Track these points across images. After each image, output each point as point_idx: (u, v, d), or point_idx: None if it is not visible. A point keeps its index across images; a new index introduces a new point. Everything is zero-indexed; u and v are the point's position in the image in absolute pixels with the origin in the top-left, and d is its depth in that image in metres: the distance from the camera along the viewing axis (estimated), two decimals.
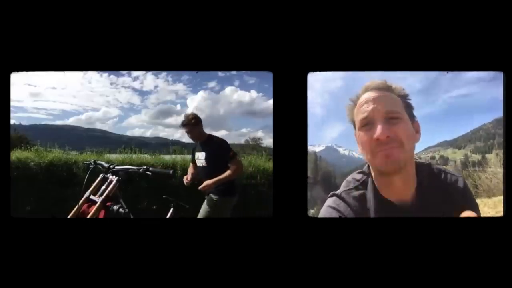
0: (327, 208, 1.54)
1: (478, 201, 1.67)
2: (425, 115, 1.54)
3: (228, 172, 2.60)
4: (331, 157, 2.10)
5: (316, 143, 1.97)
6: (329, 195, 1.57)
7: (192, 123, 2.68)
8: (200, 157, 2.70)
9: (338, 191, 1.55)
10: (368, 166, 1.52)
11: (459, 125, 2.10)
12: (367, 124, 1.47)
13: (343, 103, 1.65)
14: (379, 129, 1.43)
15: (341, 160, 2.14)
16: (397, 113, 1.45)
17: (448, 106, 2.00)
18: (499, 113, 1.95)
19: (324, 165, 2.04)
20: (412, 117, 1.50)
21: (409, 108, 1.50)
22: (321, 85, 1.92)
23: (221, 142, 2.70)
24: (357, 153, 2.08)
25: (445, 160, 2.29)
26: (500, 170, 2.06)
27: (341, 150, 2.15)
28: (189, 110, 3.67)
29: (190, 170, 2.89)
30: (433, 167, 1.55)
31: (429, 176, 1.51)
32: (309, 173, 1.95)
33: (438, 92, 1.95)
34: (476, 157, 2.26)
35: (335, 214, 1.51)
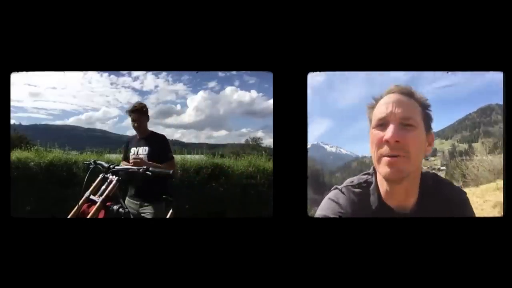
0: (327, 200, 1.57)
1: (466, 190, 1.69)
2: None
3: (165, 169, 2.39)
4: (317, 155, 2.08)
5: None
6: (332, 188, 1.59)
7: (144, 111, 2.52)
8: (141, 152, 2.52)
9: (340, 185, 1.57)
10: (374, 167, 1.53)
11: (445, 116, 2.09)
12: (381, 124, 1.48)
13: (327, 98, 1.63)
14: (390, 131, 1.44)
15: (328, 158, 2.13)
16: (414, 121, 1.46)
17: (433, 97, 1.97)
18: (483, 102, 1.98)
19: (311, 163, 2.02)
20: (428, 128, 1.51)
21: (427, 119, 1.51)
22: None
23: (165, 138, 2.58)
24: (346, 150, 2.08)
25: (433, 151, 2.29)
26: (485, 158, 2.09)
27: (328, 147, 2.13)
28: (189, 110, 3.66)
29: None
30: (437, 178, 1.57)
31: (432, 187, 1.52)
32: None
33: (422, 84, 1.93)
34: (463, 146, 2.27)
35: (335, 207, 1.53)
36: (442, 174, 2.23)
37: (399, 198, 1.49)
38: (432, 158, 2.27)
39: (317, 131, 1.97)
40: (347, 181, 1.58)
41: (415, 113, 1.48)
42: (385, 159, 1.45)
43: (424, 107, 1.51)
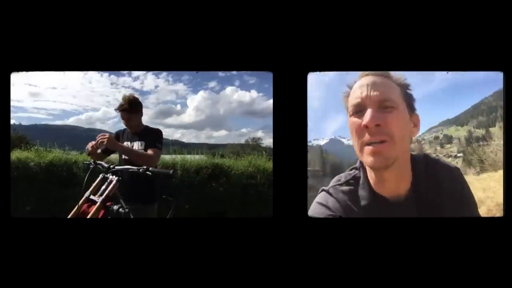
0: (315, 204, 1.50)
1: (484, 175, 1.60)
2: (424, 95, 1.48)
3: (144, 152, 2.32)
4: (336, 149, 2.07)
5: (319, 136, 1.94)
6: (319, 191, 1.52)
7: (133, 109, 2.38)
8: (137, 147, 2.44)
9: (327, 187, 1.50)
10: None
11: (460, 102, 2.02)
12: (359, 110, 1.39)
13: (340, 93, 1.60)
14: (368, 115, 1.34)
15: (347, 151, 2.12)
16: (392, 101, 1.36)
17: (446, 83, 1.91)
18: (498, 85, 1.90)
19: (331, 157, 2.01)
20: (411, 109, 1.41)
21: (409, 99, 1.41)
22: (317, 77, 1.88)
23: (159, 131, 2.48)
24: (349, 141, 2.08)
25: (449, 139, 2.23)
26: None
27: (344, 141, 2.13)
28: (189, 110, 3.66)
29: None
30: (429, 159, 1.47)
31: (425, 169, 1.43)
32: (317, 167, 1.92)
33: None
34: (480, 132, 2.19)
35: (323, 210, 1.46)
36: (459, 161, 2.18)
37: (391, 185, 1.40)
38: (448, 145, 2.22)
39: (333, 126, 1.94)
40: (334, 180, 1.49)
41: (393, 93, 1.37)
42: (368, 147, 1.35)
43: (403, 87, 1.41)
